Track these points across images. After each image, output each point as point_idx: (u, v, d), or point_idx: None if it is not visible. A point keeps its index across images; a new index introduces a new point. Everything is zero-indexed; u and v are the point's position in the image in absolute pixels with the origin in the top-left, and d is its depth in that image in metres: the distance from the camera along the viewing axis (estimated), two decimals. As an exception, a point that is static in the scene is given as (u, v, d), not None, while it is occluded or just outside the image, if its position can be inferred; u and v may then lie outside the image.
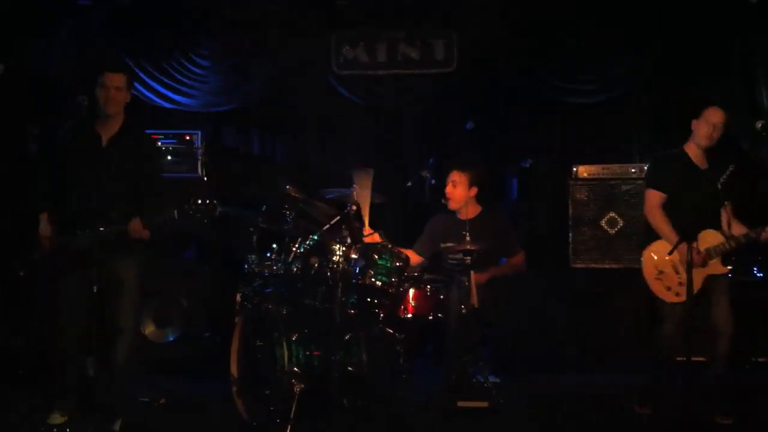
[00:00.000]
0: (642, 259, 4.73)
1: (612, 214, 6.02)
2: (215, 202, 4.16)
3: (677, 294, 4.56)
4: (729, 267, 4.56)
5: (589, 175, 6.12)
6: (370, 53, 6.82)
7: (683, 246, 4.32)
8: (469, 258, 4.84)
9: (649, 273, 4.68)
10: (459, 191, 5.38)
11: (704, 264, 4.48)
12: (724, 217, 4.56)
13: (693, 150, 4.71)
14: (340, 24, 6.81)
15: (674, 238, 4.43)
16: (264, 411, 4.31)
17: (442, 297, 4.83)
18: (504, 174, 6.78)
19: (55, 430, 4.31)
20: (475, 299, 4.86)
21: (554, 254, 6.16)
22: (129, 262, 4.34)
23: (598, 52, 6.69)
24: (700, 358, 4.64)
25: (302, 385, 4.24)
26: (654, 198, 4.69)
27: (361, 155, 7.09)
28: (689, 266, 4.18)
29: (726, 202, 4.51)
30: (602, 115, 6.93)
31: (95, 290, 4.05)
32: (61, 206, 4.31)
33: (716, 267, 4.53)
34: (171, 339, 5.83)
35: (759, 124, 4.37)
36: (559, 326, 5.92)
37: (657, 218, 4.64)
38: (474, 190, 5.40)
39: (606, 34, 6.65)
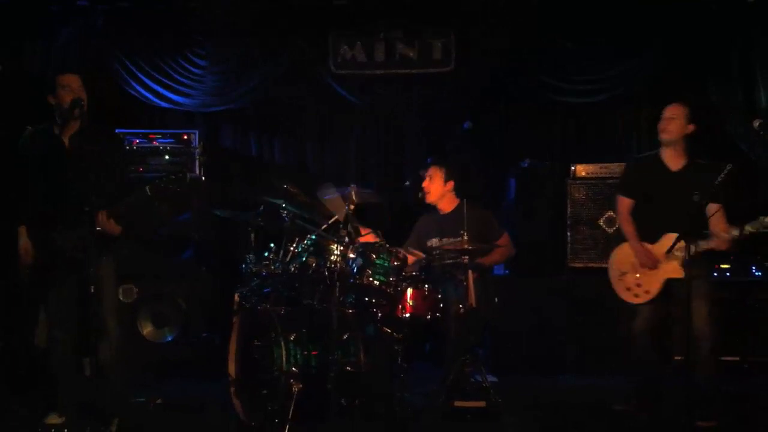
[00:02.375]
0: (609, 260, 4.85)
1: (610, 213, 6.01)
2: (184, 170, 4.14)
3: (636, 296, 4.67)
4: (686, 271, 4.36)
5: (587, 174, 6.13)
6: (368, 53, 6.81)
7: (641, 248, 4.59)
8: (466, 257, 4.84)
9: (613, 274, 4.81)
10: (435, 185, 5.45)
11: (656, 267, 4.56)
12: (714, 219, 4.48)
13: (666, 152, 4.73)
14: (338, 24, 6.81)
15: (634, 240, 4.66)
16: (262, 411, 4.30)
17: (439, 297, 4.82)
18: (502, 174, 6.78)
19: (52, 430, 4.31)
20: (473, 299, 4.85)
21: (552, 253, 6.15)
22: (105, 261, 4.30)
23: (597, 52, 6.70)
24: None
25: (300, 385, 4.23)
26: (621, 203, 4.84)
27: (358, 154, 7.10)
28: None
29: (712, 204, 4.44)
30: (601, 115, 6.94)
31: (92, 290, 4.02)
32: (36, 214, 4.29)
33: (674, 270, 4.51)
34: (169, 339, 5.83)
35: (757, 124, 4.36)
36: (557, 326, 5.92)
37: (623, 222, 4.82)
38: (450, 184, 5.46)
39: (604, 34, 6.65)
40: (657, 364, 4.78)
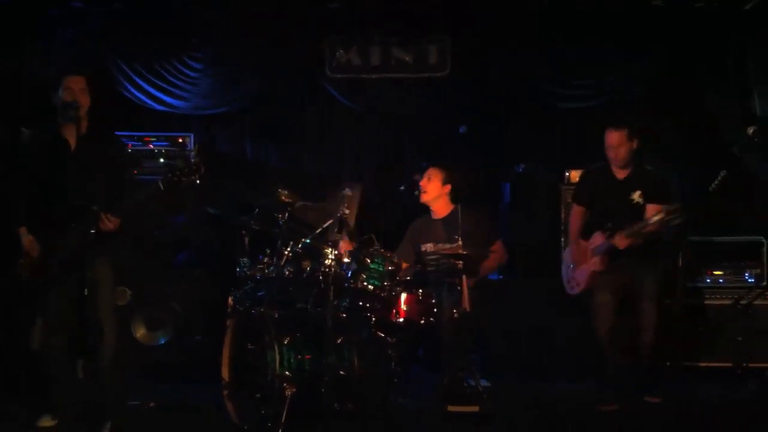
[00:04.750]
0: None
1: (604, 219, 6.02)
2: (199, 161, 4.13)
3: (572, 287, 5.32)
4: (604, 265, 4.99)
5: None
6: (363, 57, 6.83)
7: (573, 245, 5.27)
8: (461, 262, 4.84)
9: (563, 270, 5.45)
10: (433, 185, 5.46)
11: (582, 261, 5.13)
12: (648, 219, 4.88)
13: (610, 161, 5.13)
14: (334, 27, 6.82)
15: (571, 239, 5.32)
16: (255, 415, 4.29)
17: (434, 301, 4.82)
18: (497, 178, 6.79)
19: (45, 433, 4.31)
20: (467, 303, 4.85)
21: (547, 258, 6.16)
22: (104, 262, 4.30)
23: (592, 58, 6.73)
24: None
25: (293, 389, 4.22)
26: (573, 209, 5.37)
27: (353, 158, 7.10)
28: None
29: (650, 205, 4.92)
30: (596, 119, 6.94)
31: (86, 292, 4.02)
32: (37, 215, 4.28)
33: (595, 264, 5.03)
34: (162, 342, 5.81)
35: (751, 130, 4.40)
36: (551, 330, 5.91)
37: (570, 223, 5.39)
38: (447, 188, 5.47)
39: (600, 40, 6.68)
40: (618, 359, 5.07)
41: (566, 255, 5.43)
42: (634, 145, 5.01)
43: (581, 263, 5.17)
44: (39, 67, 6.63)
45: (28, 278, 4.29)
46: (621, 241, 4.87)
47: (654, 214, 4.79)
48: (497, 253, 5.38)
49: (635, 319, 5.02)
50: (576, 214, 5.31)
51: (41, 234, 4.25)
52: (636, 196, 4.99)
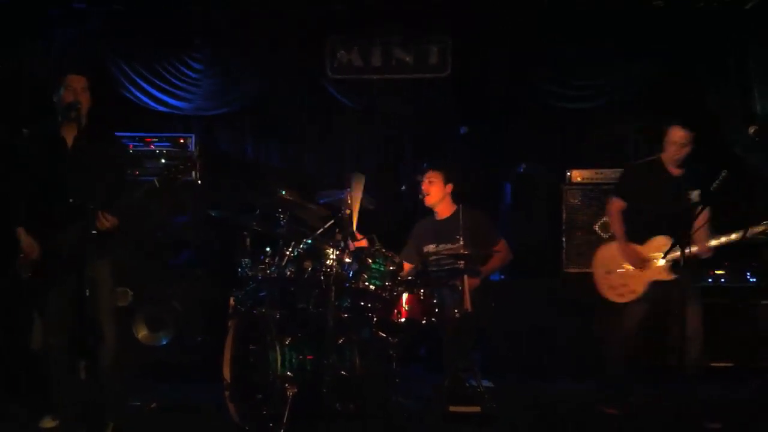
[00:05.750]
0: (594, 257, 5.01)
1: (605, 219, 6.01)
2: (194, 157, 4.11)
3: (620, 295, 4.82)
4: (673, 275, 4.61)
5: (582, 179, 6.14)
6: (364, 57, 6.83)
7: (628, 248, 4.74)
8: (462, 262, 4.84)
9: (597, 273, 4.98)
10: (435, 188, 5.48)
11: (643, 267, 4.69)
12: (699, 224, 4.53)
13: (668, 157, 4.83)
14: (335, 28, 6.82)
15: (622, 241, 4.82)
16: (256, 415, 4.30)
17: (435, 301, 4.82)
18: (498, 178, 6.79)
19: (47, 434, 4.32)
20: (468, 303, 4.86)
21: (548, 259, 6.16)
22: (104, 263, 4.31)
23: (594, 58, 6.72)
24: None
25: (295, 389, 4.23)
26: (614, 204, 4.99)
27: (354, 159, 7.10)
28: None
29: (701, 207, 4.52)
30: (597, 120, 6.95)
31: (87, 293, 4.01)
32: (37, 214, 4.27)
33: (661, 273, 4.64)
34: (164, 343, 5.81)
35: (752, 130, 4.39)
36: (552, 330, 5.92)
37: (613, 222, 4.99)
38: (449, 187, 5.51)
39: (601, 40, 6.67)
40: (625, 364, 4.92)
41: (605, 257, 4.97)
42: (689, 148, 4.78)
43: (636, 268, 4.76)
44: (39, 67, 6.64)
45: (28, 278, 4.29)
46: (704, 250, 4.56)
47: (755, 226, 4.45)
48: (501, 252, 5.39)
49: (677, 329, 4.58)
50: (617, 211, 4.95)
51: (41, 233, 4.25)
52: (695, 195, 4.71)
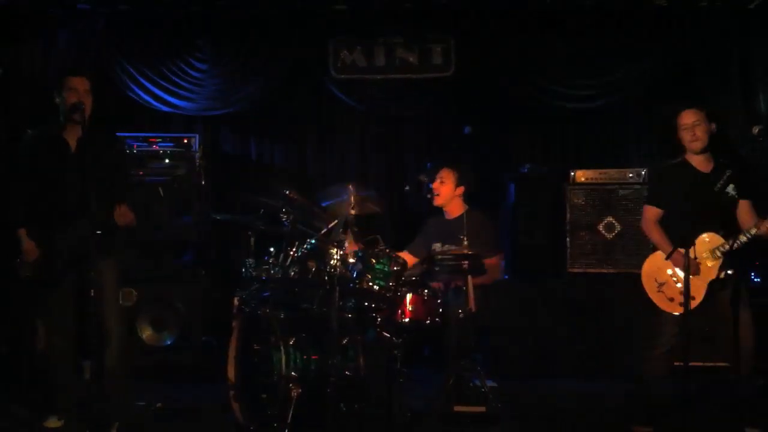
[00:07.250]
0: (641, 274, 4.60)
1: (610, 219, 6.02)
2: (201, 167, 4.12)
3: (681, 304, 4.28)
4: (727, 272, 4.35)
5: (586, 179, 6.13)
6: (368, 58, 6.83)
7: (678, 254, 4.26)
8: (466, 262, 4.83)
9: (649, 288, 4.55)
10: (446, 188, 5.43)
11: (697, 271, 4.34)
12: (743, 216, 4.40)
13: (693, 156, 4.55)
14: (338, 28, 6.82)
15: (668, 248, 4.38)
16: (261, 416, 4.30)
17: (439, 302, 4.82)
18: (502, 179, 6.78)
19: (51, 434, 4.32)
20: (472, 304, 4.85)
21: (552, 259, 6.16)
22: (108, 264, 4.31)
23: (597, 57, 6.72)
24: (698, 363, 4.66)
25: (299, 390, 4.23)
26: (649, 213, 4.64)
27: (358, 159, 7.11)
28: (686, 274, 4.10)
29: (741, 201, 4.39)
30: (601, 120, 6.95)
31: (92, 293, 4.02)
32: (39, 216, 4.28)
33: (713, 272, 4.36)
34: (168, 343, 5.81)
35: (756, 130, 4.36)
36: (557, 331, 5.91)
37: (652, 232, 4.60)
38: (461, 189, 5.45)
39: (605, 39, 6.67)
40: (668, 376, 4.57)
41: (654, 270, 4.55)
42: (713, 129, 4.46)
43: (691, 272, 4.25)
44: (39, 68, 6.66)
45: (30, 279, 4.29)
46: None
47: None
48: (492, 267, 5.24)
49: (726, 329, 4.38)
50: (654, 219, 4.59)
51: (43, 235, 4.25)
52: (731, 189, 4.41)
